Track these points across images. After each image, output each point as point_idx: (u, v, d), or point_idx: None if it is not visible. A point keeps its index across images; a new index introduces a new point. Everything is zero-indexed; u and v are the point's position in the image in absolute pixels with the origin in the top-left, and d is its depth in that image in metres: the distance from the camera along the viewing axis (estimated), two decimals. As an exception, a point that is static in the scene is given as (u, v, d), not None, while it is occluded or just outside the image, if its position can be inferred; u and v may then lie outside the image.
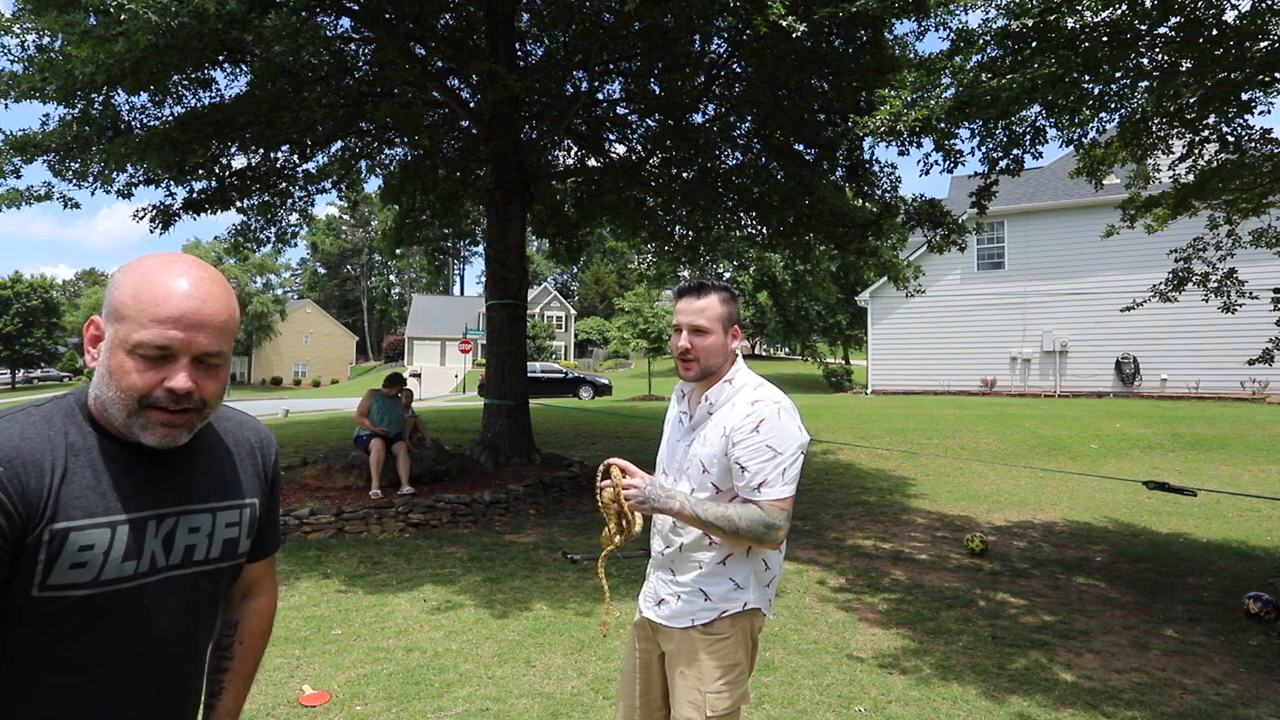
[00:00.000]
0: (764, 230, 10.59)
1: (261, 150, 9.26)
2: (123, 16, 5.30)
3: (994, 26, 4.78)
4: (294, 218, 10.73)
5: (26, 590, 1.00)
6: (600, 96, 10.20)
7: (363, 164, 11.14)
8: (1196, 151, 6.02)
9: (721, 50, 8.89)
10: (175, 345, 1.03)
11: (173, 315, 1.02)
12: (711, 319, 2.00)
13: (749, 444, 1.91)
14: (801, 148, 9.24)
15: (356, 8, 7.66)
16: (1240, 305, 7.14)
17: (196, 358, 1.05)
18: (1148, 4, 4.42)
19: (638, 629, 2.17)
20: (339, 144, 10.30)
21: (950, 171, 7.29)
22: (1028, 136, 5.83)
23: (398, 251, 12.88)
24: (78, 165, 7.63)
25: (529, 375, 11.22)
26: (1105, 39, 4.62)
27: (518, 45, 9.49)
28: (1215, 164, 6.18)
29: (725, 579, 1.98)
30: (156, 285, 1.03)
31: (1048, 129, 5.75)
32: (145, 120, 7.75)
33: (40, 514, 0.99)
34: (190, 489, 1.14)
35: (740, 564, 1.99)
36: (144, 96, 7.48)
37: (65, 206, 8.10)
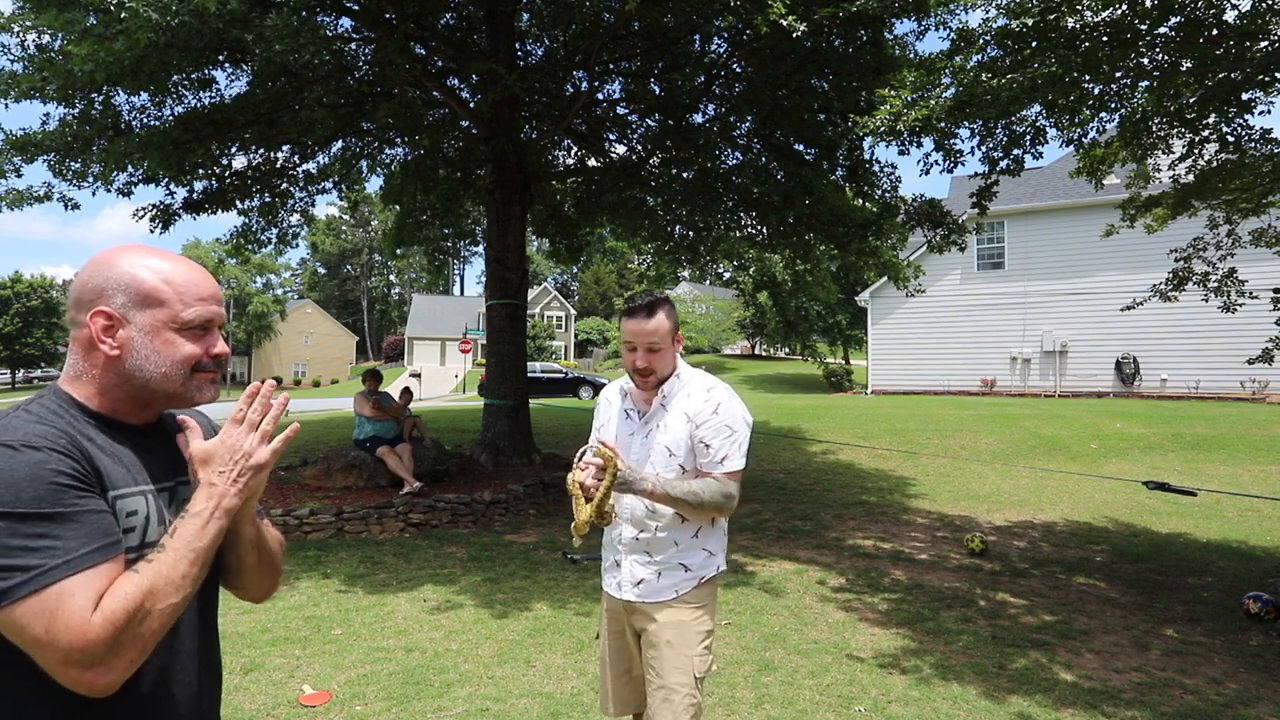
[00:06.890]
0: (764, 230, 10.58)
1: (262, 150, 9.26)
2: (123, 15, 5.29)
3: (994, 26, 4.79)
4: (295, 218, 10.71)
5: None
6: (600, 96, 10.19)
7: (363, 164, 11.12)
8: (1196, 151, 6.02)
9: (721, 50, 8.87)
10: (215, 318, 1.23)
11: (208, 294, 1.21)
12: (663, 336, 2.20)
13: (711, 425, 2.18)
14: (801, 148, 9.23)
15: (357, 8, 7.65)
16: (1240, 305, 7.13)
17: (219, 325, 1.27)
18: (1148, 4, 4.42)
19: (609, 614, 2.36)
20: (339, 144, 10.29)
21: (950, 171, 7.29)
22: (1028, 136, 5.84)
23: (398, 251, 12.88)
24: (78, 165, 7.62)
25: (529, 375, 11.21)
26: (1105, 39, 4.62)
27: (518, 45, 9.48)
28: (1215, 164, 6.17)
29: (700, 550, 2.24)
30: (180, 271, 1.20)
31: (1048, 129, 5.76)
32: (145, 120, 7.74)
33: (99, 483, 1.08)
34: (175, 464, 1.27)
35: (709, 534, 2.25)
36: (144, 96, 7.46)
37: (66, 208, 8.09)
